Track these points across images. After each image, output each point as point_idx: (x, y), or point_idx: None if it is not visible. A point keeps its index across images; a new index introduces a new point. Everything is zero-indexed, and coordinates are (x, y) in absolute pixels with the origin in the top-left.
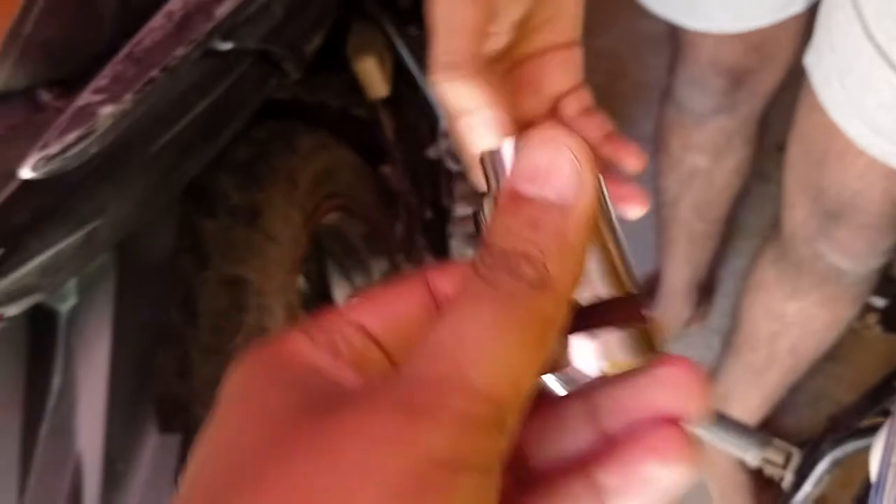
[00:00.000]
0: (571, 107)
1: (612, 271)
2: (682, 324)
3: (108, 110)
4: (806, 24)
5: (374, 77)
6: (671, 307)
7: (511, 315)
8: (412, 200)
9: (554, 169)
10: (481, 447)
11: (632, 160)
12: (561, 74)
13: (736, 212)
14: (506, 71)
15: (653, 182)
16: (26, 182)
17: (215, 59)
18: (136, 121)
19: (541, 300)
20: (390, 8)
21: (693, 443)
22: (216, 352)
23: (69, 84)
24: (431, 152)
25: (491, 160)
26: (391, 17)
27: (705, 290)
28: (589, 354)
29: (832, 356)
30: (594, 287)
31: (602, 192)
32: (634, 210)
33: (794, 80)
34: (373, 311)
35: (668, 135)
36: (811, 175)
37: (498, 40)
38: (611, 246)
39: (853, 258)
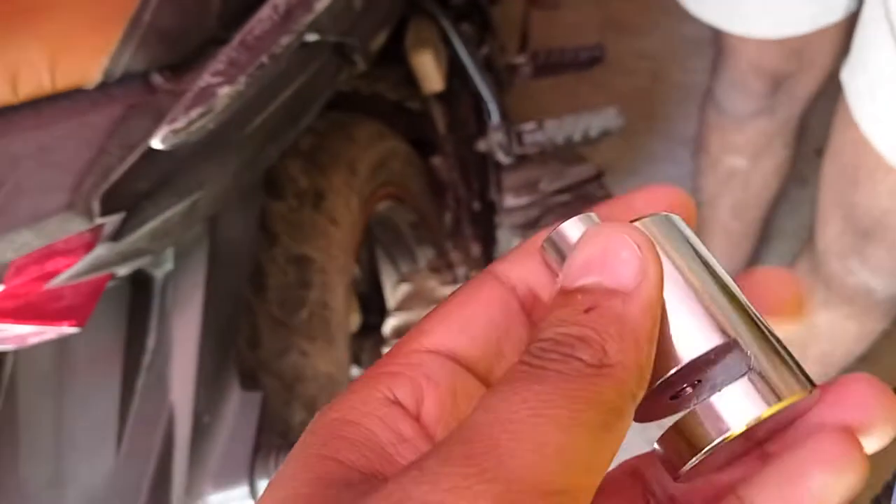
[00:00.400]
0: None
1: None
2: None
3: (225, 91)
4: (846, 31)
5: (429, 72)
6: None
7: (565, 392)
8: (461, 192)
9: (611, 256)
10: None
11: None
12: None
13: (773, 214)
14: None
15: (692, 181)
16: (146, 153)
17: (302, 49)
18: (241, 103)
19: (600, 383)
20: (446, 4)
21: (863, 450)
22: (282, 324)
23: (178, 68)
24: (481, 145)
25: (553, 247)
26: (447, 14)
27: None
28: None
29: (864, 357)
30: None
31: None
32: None
33: (836, 87)
34: (456, 328)
35: (708, 136)
36: (844, 192)
37: None
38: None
39: (884, 276)
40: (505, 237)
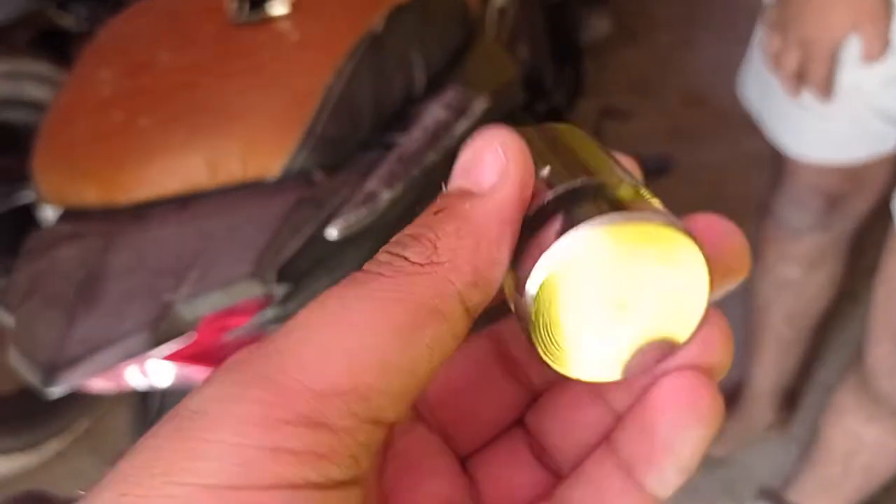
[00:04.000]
0: None
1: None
2: (764, 427)
3: (387, 195)
4: None
5: None
6: (755, 410)
7: (372, 293)
8: None
9: (476, 159)
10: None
11: None
12: None
13: (824, 324)
14: None
15: (747, 285)
16: (311, 236)
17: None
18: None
19: (417, 281)
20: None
21: (715, 393)
22: None
23: (333, 168)
24: None
25: None
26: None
27: (789, 398)
28: None
29: None
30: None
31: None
32: None
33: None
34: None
35: (764, 246)
36: (893, 315)
37: None
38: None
39: None
40: None
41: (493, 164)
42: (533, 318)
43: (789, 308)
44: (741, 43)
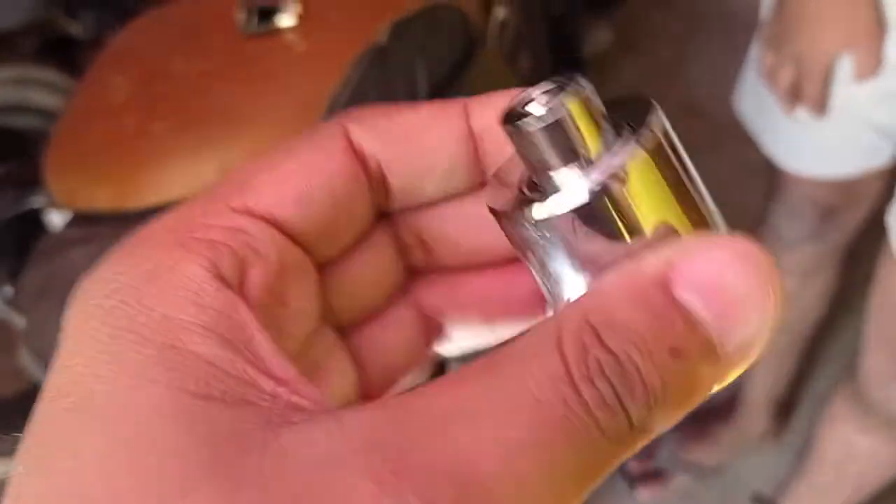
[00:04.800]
0: None
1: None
2: (759, 436)
3: None
4: (894, 171)
5: None
6: (749, 418)
7: (562, 439)
8: None
9: (744, 300)
10: None
11: None
12: None
13: (819, 335)
14: None
15: None
16: None
17: None
18: None
19: (612, 448)
20: None
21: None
22: None
23: None
24: None
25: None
26: None
27: (783, 407)
28: None
29: None
30: None
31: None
32: None
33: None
34: (290, 198)
35: None
36: (887, 325)
37: None
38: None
39: None
40: None
41: (759, 320)
42: None
43: (784, 317)
44: (740, 56)
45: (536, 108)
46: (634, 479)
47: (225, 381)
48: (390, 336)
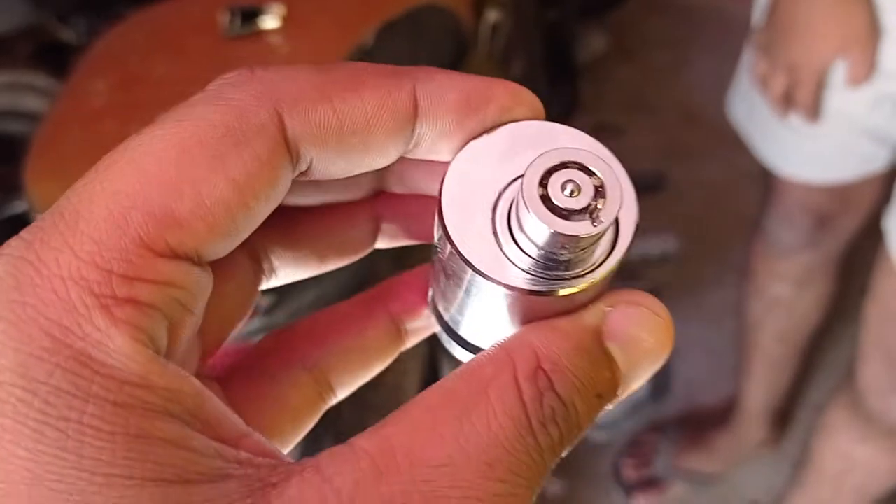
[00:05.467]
0: None
1: None
2: (756, 445)
3: None
4: (888, 178)
5: None
6: (747, 427)
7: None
8: None
9: (649, 354)
10: None
11: None
12: None
13: (815, 344)
14: None
15: (739, 307)
16: None
17: None
18: None
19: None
20: None
21: None
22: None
23: None
24: None
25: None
26: None
27: (780, 417)
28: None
29: None
30: None
31: None
32: None
33: (881, 229)
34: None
35: (755, 264)
36: (884, 334)
37: None
38: None
39: None
40: None
41: (655, 366)
42: None
43: (780, 326)
44: (735, 61)
45: (560, 197)
46: (632, 488)
47: (199, 462)
48: (227, 284)
